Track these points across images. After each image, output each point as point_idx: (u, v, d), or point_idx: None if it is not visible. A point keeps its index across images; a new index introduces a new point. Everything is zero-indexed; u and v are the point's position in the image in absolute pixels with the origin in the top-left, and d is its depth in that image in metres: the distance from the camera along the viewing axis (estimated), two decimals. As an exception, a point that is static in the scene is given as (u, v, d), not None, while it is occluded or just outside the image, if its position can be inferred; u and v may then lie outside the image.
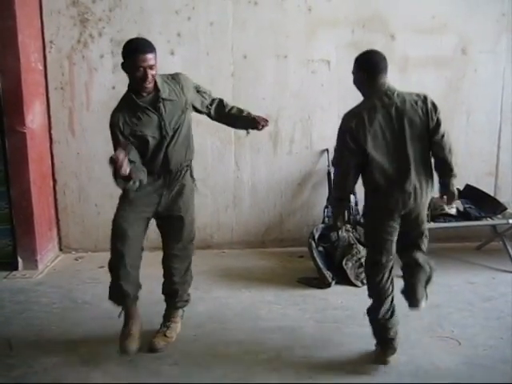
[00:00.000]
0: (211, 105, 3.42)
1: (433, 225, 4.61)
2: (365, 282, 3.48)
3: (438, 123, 3.14)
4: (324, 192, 5.17)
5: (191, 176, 3.39)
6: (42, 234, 4.86)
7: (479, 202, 4.83)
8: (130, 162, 2.93)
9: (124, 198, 3.18)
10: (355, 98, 3.19)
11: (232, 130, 5.12)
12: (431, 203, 4.73)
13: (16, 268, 4.73)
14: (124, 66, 3.07)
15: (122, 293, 3.19)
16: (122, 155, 2.83)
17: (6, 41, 4.42)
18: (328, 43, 5.09)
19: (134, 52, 3.01)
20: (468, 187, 5.01)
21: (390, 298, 3.21)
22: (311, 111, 5.21)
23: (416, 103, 3.12)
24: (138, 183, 3.03)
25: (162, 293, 3.54)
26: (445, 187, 3.34)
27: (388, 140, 3.05)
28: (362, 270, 4.34)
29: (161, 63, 3.24)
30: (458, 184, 5.00)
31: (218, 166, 5.24)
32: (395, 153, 3.06)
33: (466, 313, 3.88)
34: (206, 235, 5.32)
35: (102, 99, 4.91)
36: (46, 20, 4.89)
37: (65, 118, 5.07)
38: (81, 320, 3.81)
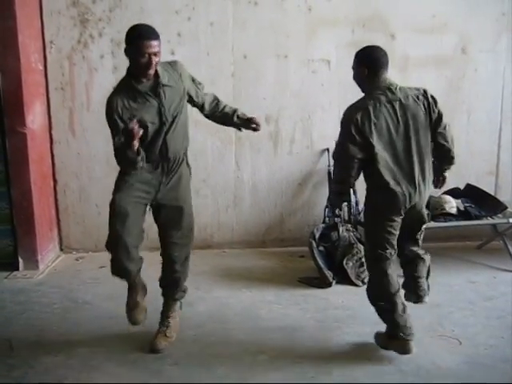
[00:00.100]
0: (205, 97, 3.42)
1: (433, 224, 4.61)
2: (365, 281, 3.48)
3: (440, 115, 3.22)
4: (325, 192, 5.17)
5: (187, 164, 3.38)
6: (43, 235, 4.86)
7: (480, 201, 4.83)
8: None
9: (122, 181, 3.16)
10: (355, 97, 3.20)
11: (233, 130, 5.11)
12: (432, 203, 4.75)
13: (17, 268, 4.73)
14: (128, 52, 3.04)
15: (123, 269, 3.20)
16: (136, 126, 2.92)
17: (7, 41, 4.41)
18: (328, 43, 5.09)
19: (140, 38, 2.99)
20: (468, 186, 5.01)
21: (399, 293, 3.25)
22: (311, 111, 5.21)
23: (418, 98, 3.17)
24: (142, 162, 3.05)
25: (161, 285, 3.50)
26: (440, 172, 3.41)
27: (393, 134, 3.08)
28: (362, 269, 4.35)
29: (161, 63, 3.24)
30: (458, 183, 5.06)
31: (219, 166, 5.24)
32: (400, 147, 3.09)
33: (466, 312, 3.88)
34: (207, 235, 5.32)
35: (103, 99, 4.80)
36: (46, 20, 4.89)
37: (65, 118, 5.07)
38: (81, 320, 3.81)
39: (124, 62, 4.89)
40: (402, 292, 3.31)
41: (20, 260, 4.74)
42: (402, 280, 3.37)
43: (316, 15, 5.04)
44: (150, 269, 3.43)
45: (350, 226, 4.69)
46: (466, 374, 3.09)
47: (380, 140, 3.05)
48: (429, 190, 3.24)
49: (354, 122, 3.04)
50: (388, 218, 3.15)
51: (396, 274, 3.27)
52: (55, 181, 5.16)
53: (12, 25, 4.39)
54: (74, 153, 5.11)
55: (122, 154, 3.03)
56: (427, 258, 3.40)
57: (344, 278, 4.40)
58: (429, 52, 5.15)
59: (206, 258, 5.05)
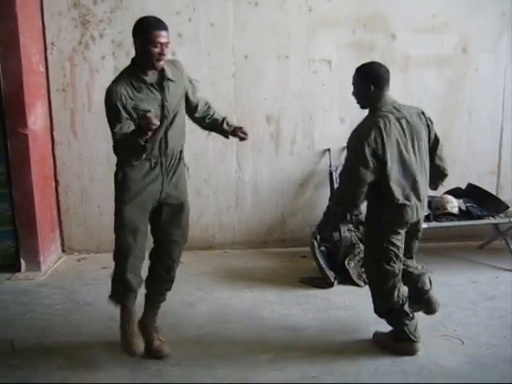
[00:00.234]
0: (199, 99, 3.41)
1: (435, 224, 4.62)
2: (367, 281, 3.48)
3: (438, 138, 3.34)
4: (326, 192, 5.17)
5: (184, 163, 3.34)
6: (45, 236, 4.87)
7: (481, 200, 4.82)
8: None
9: (126, 189, 3.10)
10: (356, 97, 3.21)
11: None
12: (433, 203, 4.75)
13: (19, 270, 4.73)
14: (138, 42, 3.01)
15: (128, 287, 3.16)
16: (153, 114, 2.88)
17: (8, 43, 4.42)
18: (329, 43, 5.09)
19: (153, 28, 2.99)
20: (470, 186, 5.00)
21: (407, 301, 3.29)
22: (313, 111, 5.21)
23: (419, 116, 3.24)
24: (148, 150, 3.00)
25: (150, 287, 3.35)
26: (435, 186, 3.51)
27: (402, 151, 3.11)
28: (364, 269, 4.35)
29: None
30: (460, 183, 5.06)
31: (220, 167, 5.24)
32: (408, 163, 3.13)
33: (468, 312, 3.87)
34: (208, 235, 5.32)
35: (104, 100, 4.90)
36: (47, 22, 4.89)
37: (67, 119, 5.07)
38: (83, 321, 3.81)
39: (125, 63, 4.91)
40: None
41: (22, 261, 4.74)
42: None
43: (317, 15, 5.04)
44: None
45: (351, 226, 4.69)
46: (468, 374, 3.09)
47: (392, 157, 3.08)
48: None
49: (368, 144, 3.03)
50: (396, 231, 3.18)
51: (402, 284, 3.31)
52: (57, 182, 5.17)
53: (13, 26, 4.39)
54: (76, 154, 5.12)
55: (125, 143, 2.94)
56: (425, 270, 3.48)
57: (346, 278, 4.40)
58: (430, 52, 5.15)
59: (208, 259, 5.06)
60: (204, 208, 5.26)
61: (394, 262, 3.22)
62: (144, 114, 2.88)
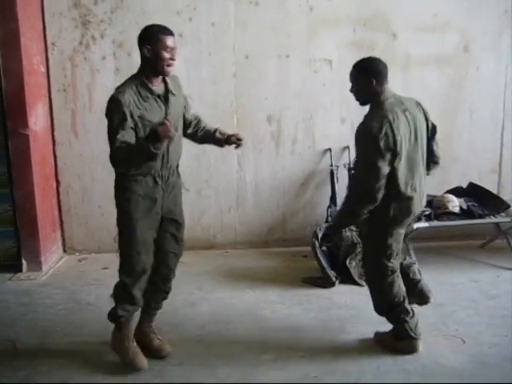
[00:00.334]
0: (192, 115, 3.39)
1: (436, 223, 4.62)
2: (366, 278, 3.47)
3: (434, 125, 3.35)
4: (327, 191, 5.16)
5: (179, 175, 3.33)
6: (46, 236, 4.87)
7: (483, 199, 4.82)
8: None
9: (136, 206, 3.05)
10: (357, 96, 3.20)
11: (235, 131, 5.13)
12: (434, 202, 4.75)
13: (20, 270, 4.74)
14: (149, 48, 2.97)
15: (135, 303, 3.14)
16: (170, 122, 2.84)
17: (9, 43, 4.42)
18: (330, 42, 5.09)
19: (163, 33, 2.98)
20: (471, 185, 5.01)
21: (407, 297, 3.30)
22: (313, 111, 5.21)
23: (418, 107, 3.25)
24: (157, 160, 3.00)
25: (147, 297, 3.28)
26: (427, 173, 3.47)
27: (407, 144, 3.11)
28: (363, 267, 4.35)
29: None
30: (461, 182, 5.06)
31: (221, 167, 5.24)
32: (412, 155, 3.14)
33: (470, 311, 3.87)
34: (210, 235, 5.33)
35: (105, 101, 4.81)
36: (48, 22, 4.90)
37: (67, 119, 5.08)
38: (85, 321, 3.82)
39: (126, 63, 4.96)
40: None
41: (23, 261, 4.75)
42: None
43: (317, 15, 5.04)
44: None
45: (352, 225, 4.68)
46: (470, 373, 3.09)
47: (401, 150, 3.07)
48: None
49: (381, 137, 3.01)
50: (401, 225, 3.20)
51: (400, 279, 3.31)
52: (58, 182, 5.17)
53: (14, 27, 4.40)
54: (77, 154, 5.12)
55: (130, 152, 2.90)
56: (414, 261, 3.54)
57: (347, 278, 4.40)
58: (431, 51, 5.14)
59: (209, 259, 5.06)
60: (205, 208, 5.27)
61: (394, 259, 3.23)
62: (163, 120, 2.82)
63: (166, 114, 3.06)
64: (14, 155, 4.60)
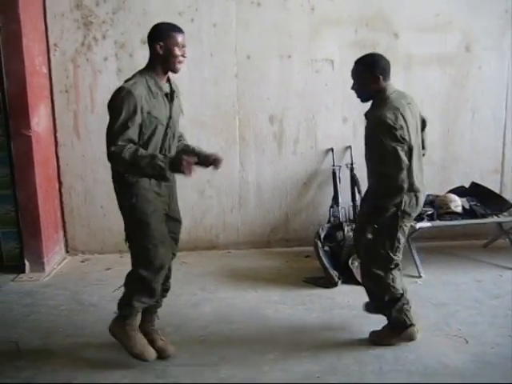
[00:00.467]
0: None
1: (439, 223, 4.61)
2: (367, 274, 3.47)
3: (424, 118, 3.39)
4: (329, 191, 5.16)
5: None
6: (49, 237, 4.88)
7: (485, 199, 4.82)
8: (135, 143, 2.92)
9: (147, 202, 3.04)
10: (359, 96, 3.20)
11: (237, 131, 5.15)
12: (437, 202, 4.75)
13: (23, 271, 4.74)
14: (160, 45, 2.98)
15: (153, 294, 3.13)
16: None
17: (11, 44, 4.43)
18: (331, 42, 5.09)
19: (176, 30, 3.02)
20: (474, 185, 5.00)
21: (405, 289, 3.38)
22: (316, 111, 5.21)
23: (412, 100, 3.28)
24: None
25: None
26: None
27: (414, 137, 3.15)
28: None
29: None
30: (463, 182, 5.06)
31: (223, 167, 5.13)
32: (416, 148, 3.17)
33: (473, 311, 3.86)
34: (212, 236, 5.33)
35: (107, 101, 4.91)
36: (50, 23, 4.91)
37: (70, 120, 5.08)
38: (88, 322, 3.82)
39: (128, 64, 4.97)
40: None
41: (26, 262, 4.75)
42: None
43: (319, 15, 5.04)
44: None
45: (355, 225, 4.68)
46: (473, 373, 3.08)
47: (412, 142, 3.11)
48: None
49: (398, 127, 3.04)
50: (409, 220, 3.24)
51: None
52: (60, 183, 5.18)
53: (16, 28, 4.40)
54: (79, 155, 5.13)
55: (137, 158, 2.85)
56: None
57: (350, 278, 4.39)
58: (432, 50, 5.14)
59: (212, 259, 5.06)
60: (207, 208, 5.27)
61: (399, 252, 3.27)
62: (191, 157, 2.87)
63: (170, 114, 3.07)
64: (17, 156, 4.61)
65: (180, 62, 3.03)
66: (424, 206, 4.54)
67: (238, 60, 5.08)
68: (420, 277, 4.46)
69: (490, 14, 5.12)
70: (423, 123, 3.37)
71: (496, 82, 5.25)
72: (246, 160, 5.24)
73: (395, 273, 3.29)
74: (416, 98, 5.10)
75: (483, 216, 4.69)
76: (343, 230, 4.57)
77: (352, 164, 5.08)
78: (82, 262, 5.12)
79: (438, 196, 4.81)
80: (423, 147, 3.39)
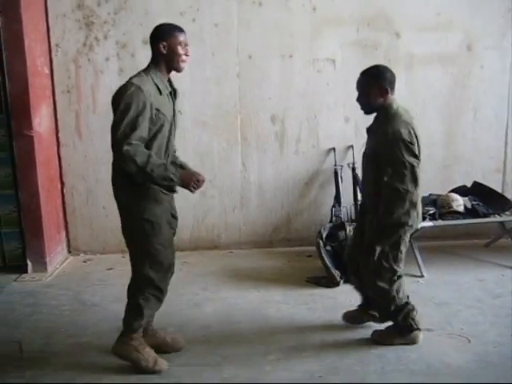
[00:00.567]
0: None
1: (441, 222, 4.60)
2: (372, 287, 3.47)
3: None
4: (331, 191, 5.17)
5: None
6: (51, 237, 4.88)
7: (487, 198, 4.82)
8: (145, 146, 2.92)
9: (155, 203, 3.03)
10: (361, 96, 3.20)
11: (238, 131, 5.15)
12: (439, 201, 4.74)
13: (25, 271, 4.75)
14: (163, 45, 3.00)
15: (164, 291, 3.14)
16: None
17: (13, 45, 4.43)
18: (333, 42, 5.09)
19: (178, 29, 3.06)
20: (475, 184, 5.00)
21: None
22: (317, 110, 5.21)
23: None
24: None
25: None
26: None
27: (421, 152, 3.16)
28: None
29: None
30: (465, 181, 5.05)
31: (225, 167, 5.24)
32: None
33: (475, 310, 3.86)
34: (214, 236, 5.33)
35: (108, 102, 4.83)
36: (51, 24, 4.91)
37: (71, 121, 5.09)
38: (90, 322, 3.82)
39: (130, 64, 4.97)
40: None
41: (28, 262, 4.76)
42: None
43: (320, 15, 5.04)
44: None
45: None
46: (475, 372, 3.08)
47: (420, 158, 3.14)
48: None
49: (414, 143, 3.06)
50: (410, 232, 3.26)
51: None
52: (62, 183, 5.19)
53: (18, 28, 4.41)
54: (81, 155, 5.14)
55: (150, 164, 2.84)
56: None
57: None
58: (434, 50, 5.14)
59: (214, 259, 5.06)
60: (209, 208, 5.27)
61: (401, 263, 3.28)
62: (200, 178, 2.95)
63: (174, 111, 3.10)
64: (19, 156, 4.61)
65: (183, 61, 3.05)
66: (426, 206, 4.58)
67: (239, 60, 5.08)
68: (422, 276, 4.46)
69: (492, 13, 5.12)
70: None
71: (498, 81, 5.25)
72: (248, 160, 5.24)
73: (399, 283, 3.28)
74: (418, 97, 5.17)
75: (485, 215, 4.68)
76: (345, 230, 4.57)
77: (354, 163, 5.08)
78: (84, 262, 5.13)
79: (439, 195, 4.81)
80: None
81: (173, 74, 3.13)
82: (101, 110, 5.00)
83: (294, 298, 4.17)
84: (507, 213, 4.75)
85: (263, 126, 5.18)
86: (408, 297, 3.34)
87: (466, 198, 4.82)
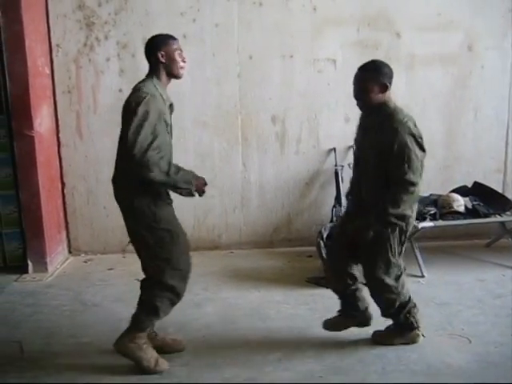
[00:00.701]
0: None
1: (442, 223, 4.60)
2: (374, 285, 3.46)
3: None
4: (332, 191, 5.16)
5: None
6: (52, 237, 4.88)
7: (488, 198, 4.82)
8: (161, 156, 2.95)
9: (166, 206, 3.08)
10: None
11: (239, 131, 5.15)
12: (440, 201, 4.74)
13: (26, 271, 4.75)
14: (162, 54, 3.02)
15: (176, 302, 3.18)
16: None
17: (14, 46, 4.43)
18: (333, 42, 5.09)
19: (172, 38, 3.10)
20: (476, 184, 5.00)
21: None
22: (318, 110, 5.21)
23: None
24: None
25: None
26: None
27: None
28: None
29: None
30: (466, 181, 5.05)
31: (226, 167, 5.24)
32: None
33: (476, 310, 3.86)
34: (214, 236, 5.33)
35: (109, 102, 4.93)
36: (52, 24, 4.91)
37: (72, 121, 5.09)
38: (90, 322, 3.82)
39: (130, 65, 4.97)
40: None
41: (29, 263, 4.76)
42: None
43: (321, 15, 5.04)
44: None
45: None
46: (476, 372, 3.08)
47: None
48: None
49: (421, 133, 3.06)
50: (413, 220, 3.23)
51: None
52: (63, 184, 5.19)
53: (19, 29, 4.41)
54: (82, 155, 5.14)
55: (173, 172, 2.93)
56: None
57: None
58: (435, 50, 5.14)
59: (214, 259, 5.06)
60: (210, 209, 5.27)
61: (401, 259, 3.28)
62: (204, 182, 3.04)
63: (171, 121, 3.13)
64: (20, 157, 4.61)
65: (182, 68, 3.09)
66: (427, 206, 4.58)
67: (240, 60, 5.08)
68: (423, 276, 4.46)
69: (492, 13, 5.12)
70: None
71: (498, 81, 5.25)
72: (249, 160, 5.24)
73: (402, 279, 3.28)
74: (418, 97, 5.17)
75: (486, 215, 4.68)
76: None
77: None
78: (85, 262, 5.13)
79: (440, 195, 4.81)
80: None
81: (172, 81, 3.14)
82: (101, 110, 5.00)
83: (294, 298, 4.17)
84: (508, 213, 4.75)
85: (264, 126, 5.18)
86: (409, 293, 3.35)
87: (467, 198, 4.81)
